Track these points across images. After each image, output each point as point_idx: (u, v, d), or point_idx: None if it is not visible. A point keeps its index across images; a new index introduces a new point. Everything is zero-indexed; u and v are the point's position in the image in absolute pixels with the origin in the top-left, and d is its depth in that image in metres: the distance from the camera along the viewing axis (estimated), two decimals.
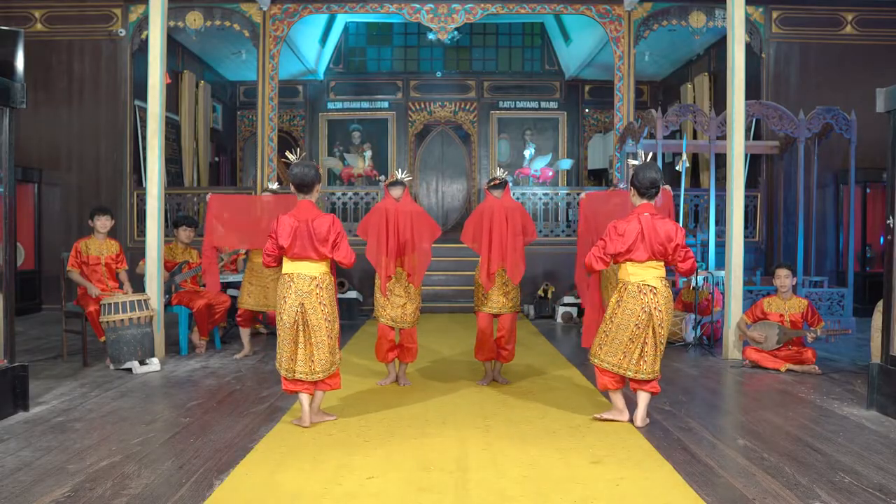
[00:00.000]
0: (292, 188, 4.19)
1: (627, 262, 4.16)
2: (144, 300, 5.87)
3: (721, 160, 8.34)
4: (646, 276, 4.12)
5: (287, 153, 4.43)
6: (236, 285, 7.44)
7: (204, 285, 7.02)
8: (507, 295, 5.27)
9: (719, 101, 10.56)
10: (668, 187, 6.35)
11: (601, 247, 4.19)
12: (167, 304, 6.54)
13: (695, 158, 11.35)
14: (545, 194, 10.97)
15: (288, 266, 4.11)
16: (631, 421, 4.21)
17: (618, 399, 4.27)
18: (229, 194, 7.27)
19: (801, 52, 10.22)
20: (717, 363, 6.25)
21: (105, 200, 9.54)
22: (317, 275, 4.08)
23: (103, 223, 6.25)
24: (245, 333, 6.44)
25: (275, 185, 6.60)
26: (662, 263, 4.17)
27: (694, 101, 11.43)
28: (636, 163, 4.29)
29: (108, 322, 5.66)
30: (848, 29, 10.28)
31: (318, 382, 4.13)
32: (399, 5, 10.29)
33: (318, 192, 4.22)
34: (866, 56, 10.05)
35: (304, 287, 4.04)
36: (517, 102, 14.21)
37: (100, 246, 6.25)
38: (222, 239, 6.09)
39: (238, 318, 6.46)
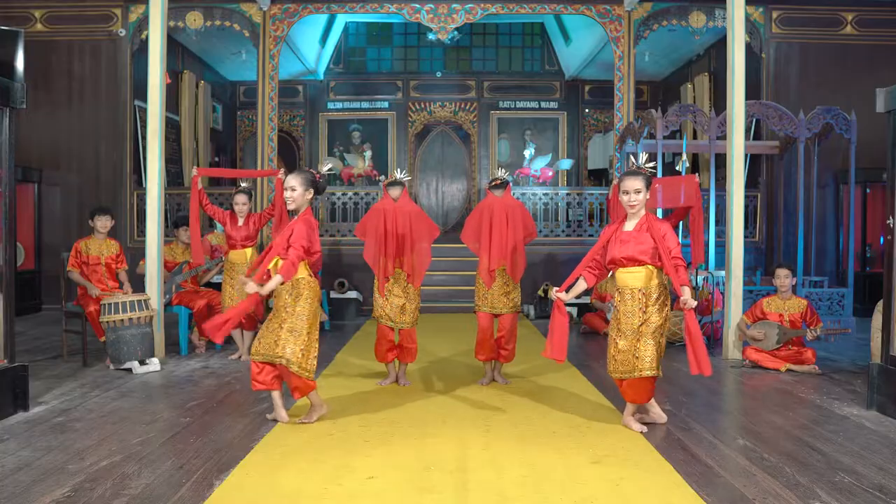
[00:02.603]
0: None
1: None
2: (144, 300, 5.87)
3: (721, 160, 8.33)
4: None
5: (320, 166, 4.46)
6: None
7: (203, 286, 7.03)
8: (508, 295, 5.27)
9: (719, 101, 10.56)
10: (695, 175, 6.37)
11: (676, 251, 3.98)
12: (167, 304, 6.53)
13: (695, 158, 11.34)
14: (545, 194, 10.97)
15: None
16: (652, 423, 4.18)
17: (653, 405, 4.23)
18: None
19: (801, 52, 10.22)
20: (717, 363, 6.25)
21: (105, 200, 9.53)
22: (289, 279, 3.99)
23: (103, 223, 6.25)
24: (237, 334, 6.32)
25: (244, 185, 6.58)
26: None
27: (694, 101, 11.43)
28: (650, 165, 4.17)
29: (108, 322, 5.66)
30: (848, 29, 10.28)
31: (288, 373, 4.04)
32: (399, 5, 10.29)
33: (308, 196, 4.11)
34: (866, 56, 10.04)
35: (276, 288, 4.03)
36: (517, 102, 14.19)
37: (100, 246, 6.25)
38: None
39: None
